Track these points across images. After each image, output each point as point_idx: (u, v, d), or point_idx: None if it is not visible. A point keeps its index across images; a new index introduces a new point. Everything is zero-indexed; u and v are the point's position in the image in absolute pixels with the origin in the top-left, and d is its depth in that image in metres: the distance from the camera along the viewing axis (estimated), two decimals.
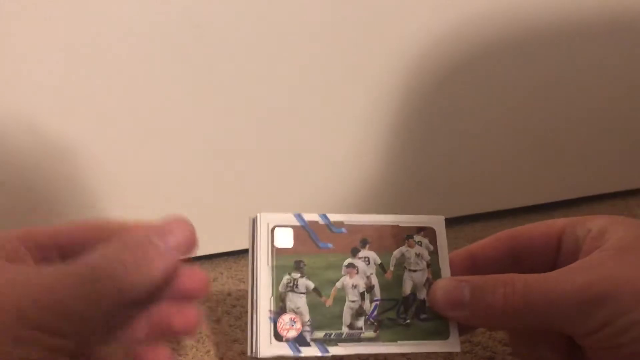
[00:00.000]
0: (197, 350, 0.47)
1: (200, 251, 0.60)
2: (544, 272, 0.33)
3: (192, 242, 0.31)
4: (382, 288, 0.35)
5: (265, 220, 0.35)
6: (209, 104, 0.53)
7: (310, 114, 0.55)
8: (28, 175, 0.52)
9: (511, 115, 0.61)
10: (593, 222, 0.35)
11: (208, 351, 0.47)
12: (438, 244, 0.38)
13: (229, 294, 0.55)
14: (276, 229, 0.35)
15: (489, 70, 0.58)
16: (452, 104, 0.59)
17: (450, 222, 0.66)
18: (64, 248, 0.33)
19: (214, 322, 0.50)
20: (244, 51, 0.51)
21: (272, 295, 0.33)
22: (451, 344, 0.35)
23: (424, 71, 0.57)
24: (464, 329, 0.39)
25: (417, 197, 0.62)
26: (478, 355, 0.46)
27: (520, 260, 0.38)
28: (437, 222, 0.39)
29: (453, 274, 0.37)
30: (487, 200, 0.65)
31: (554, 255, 0.37)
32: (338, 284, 0.35)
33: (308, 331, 0.33)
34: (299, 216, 0.36)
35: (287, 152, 0.56)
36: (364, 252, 0.36)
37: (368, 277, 0.35)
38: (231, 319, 0.50)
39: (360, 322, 0.34)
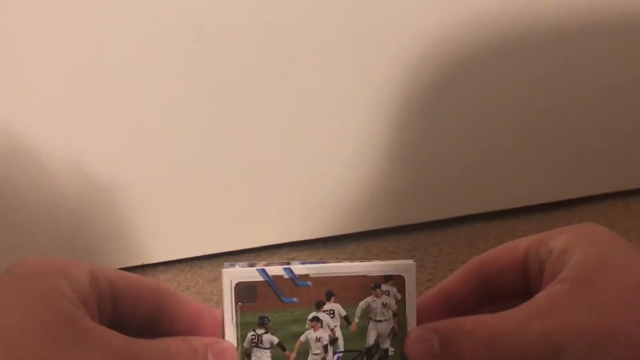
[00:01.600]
0: None
1: (200, 251, 0.62)
2: (517, 296, 0.34)
3: None
4: (346, 340, 0.36)
5: (228, 277, 0.35)
6: (217, 105, 0.53)
7: (312, 113, 0.55)
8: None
9: (511, 116, 0.61)
10: (555, 241, 0.34)
11: None
12: (407, 292, 0.36)
13: None
14: (239, 285, 0.35)
15: (489, 71, 0.58)
16: (452, 105, 0.58)
17: (451, 222, 0.67)
18: (117, 298, 0.34)
19: None
20: (245, 56, 0.51)
21: (238, 351, 0.34)
22: None
23: (423, 73, 0.56)
24: None
25: (418, 198, 0.63)
26: None
27: (492, 288, 0.38)
28: (407, 269, 0.36)
29: (426, 315, 0.36)
30: (487, 200, 0.65)
31: (523, 279, 0.37)
32: (302, 338, 0.35)
33: None
34: (262, 271, 0.35)
35: (288, 153, 0.57)
36: (328, 305, 0.36)
37: (332, 330, 0.35)
38: None
39: None
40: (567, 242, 0.34)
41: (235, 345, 0.35)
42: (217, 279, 0.59)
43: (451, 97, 0.59)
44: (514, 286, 0.37)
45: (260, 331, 0.35)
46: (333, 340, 0.35)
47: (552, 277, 0.33)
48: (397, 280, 0.36)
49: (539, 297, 0.32)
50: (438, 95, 0.58)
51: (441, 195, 0.64)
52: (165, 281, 0.59)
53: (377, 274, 0.36)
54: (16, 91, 0.50)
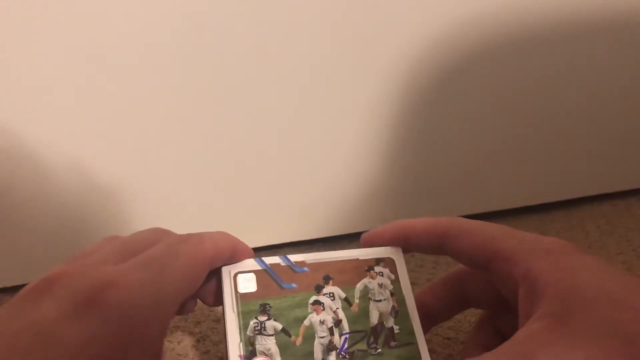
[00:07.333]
0: (197, 350, 0.48)
1: None
2: (487, 300, 0.38)
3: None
4: (350, 321, 0.36)
5: (227, 269, 0.36)
6: (215, 107, 0.53)
7: (311, 113, 0.55)
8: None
9: (511, 115, 0.61)
10: (525, 265, 0.33)
11: (207, 351, 0.47)
12: (398, 272, 0.38)
13: None
14: (238, 275, 0.36)
15: (489, 70, 0.58)
16: (451, 105, 0.58)
17: None
18: None
19: (213, 322, 0.50)
20: (243, 55, 0.52)
21: (241, 340, 0.34)
22: None
23: (422, 73, 0.56)
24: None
25: (417, 198, 0.62)
26: None
27: (465, 295, 0.40)
28: (394, 252, 0.39)
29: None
30: (487, 200, 0.65)
31: (493, 288, 0.37)
32: (306, 322, 0.35)
33: None
34: (260, 260, 0.36)
35: (288, 153, 0.57)
36: (328, 288, 0.36)
37: (335, 312, 0.36)
38: None
39: (332, 357, 0.35)
40: (537, 268, 0.33)
41: (238, 335, 0.34)
42: None
43: (451, 98, 0.59)
44: (486, 294, 0.39)
45: (262, 318, 0.35)
46: (337, 322, 0.36)
47: (526, 304, 0.33)
48: (387, 262, 0.38)
49: (520, 336, 0.31)
50: (438, 95, 0.58)
51: (441, 196, 0.64)
52: None
53: (368, 257, 0.38)
54: (14, 92, 0.50)
